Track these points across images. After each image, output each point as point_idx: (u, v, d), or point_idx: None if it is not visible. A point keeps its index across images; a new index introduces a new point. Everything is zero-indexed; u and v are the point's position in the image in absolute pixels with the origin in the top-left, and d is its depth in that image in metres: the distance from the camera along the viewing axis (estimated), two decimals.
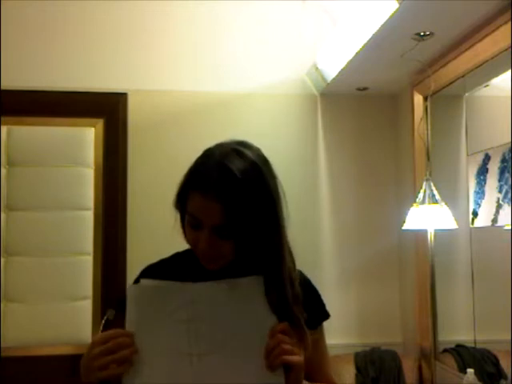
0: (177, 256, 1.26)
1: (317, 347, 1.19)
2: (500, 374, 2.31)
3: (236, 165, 1.06)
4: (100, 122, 2.94)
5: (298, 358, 1.03)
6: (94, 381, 1.01)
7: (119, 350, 1.00)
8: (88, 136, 2.93)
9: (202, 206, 1.07)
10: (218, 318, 1.05)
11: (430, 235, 2.71)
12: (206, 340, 1.03)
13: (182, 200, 1.13)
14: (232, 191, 1.05)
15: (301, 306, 1.13)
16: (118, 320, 1.21)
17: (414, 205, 2.46)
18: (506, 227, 2.20)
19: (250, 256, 1.12)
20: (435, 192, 2.41)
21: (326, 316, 1.26)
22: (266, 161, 1.14)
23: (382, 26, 2.18)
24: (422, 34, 2.28)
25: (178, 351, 1.02)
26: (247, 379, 1.02)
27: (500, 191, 2.26)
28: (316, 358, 1.17)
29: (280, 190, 1.13)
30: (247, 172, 1.07)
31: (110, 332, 1.02)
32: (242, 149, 1.11)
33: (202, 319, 1.04)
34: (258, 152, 1.13)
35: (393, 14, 2.07)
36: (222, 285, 1.08)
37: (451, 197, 2.51)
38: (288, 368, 1.03)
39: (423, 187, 2.45)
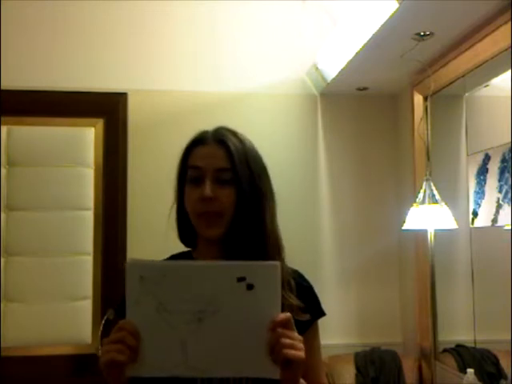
0: (172, 258, 1.26)
1: (310, 346, 1.18)
2: (500, 374, 2.31)
3: (229, 130, 1.24)
4: (100, 122, 2.94)
5: (298, 353, 1.00)
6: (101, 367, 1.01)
7: (121, 341, 0.99)
8: (88, 136, 2.93)
9: (204, 153, 1.18)
10: (223, 301, 1.01)
11: (430, 235, 2.71)
12: (208, 323, 1.00)
13: (184, 162, 1.20)
14: (230, 140, 1.19)
15: (287, 288, 1.15)
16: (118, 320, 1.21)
17: (414, 205, 2.46)
18: (506, 227, 2.20)
19: (247, 220, 1.15)
20: (435, 192, 2.41)
21: (321, 313, 1.25)
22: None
23: (382, 26, 2.18)
24: (422, 33, 2.28)
25: (178, 335, 1.00)
26: (242, 368, 1.01)
27: (500, 191, 2.26)
28: (309, 357, 1.15)
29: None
30: (239, 136, 1.23)
31: (119, 323, 1.01)
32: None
33: (209, 301, 1.01)
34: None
35: (393, 14, 2.07)
36: (235, 266, 1.03)
37: (451, 197, 2.51)
38: (287, 362, 1.00)
39: (423, 187, 2.45)
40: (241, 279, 1.01)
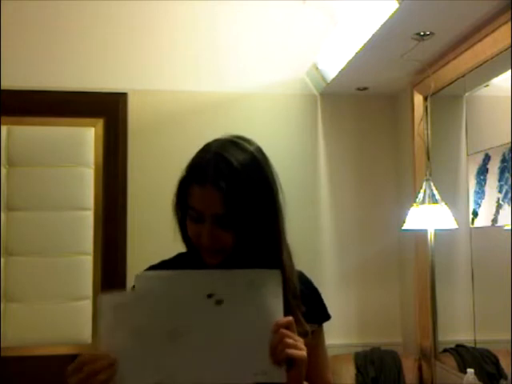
0: (180, 256, 1.26)
1: (316, 349, 1.19)
2: (500, 373, 2.31)
3: (233, 154, 1.10)
4: (100, 122, 2.95)
5: (301, 352, 1.02)
6: None
7: (96, 374, 0.97)
8: (88, 136, 2.93)
9: (202, 197, 1.09)
10: (229, 307, 1.04)
11: (430, 235, 2.71)
12: (215, 329, 1.03)
13: (183, 195, 1.14)
14: (230, 179, 1.07)
15: (299, 301, 1.14)
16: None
17: (414, 205, 2.46)
18: (506, 227, 2.20)
19: (250, 249, 1.12)
20: (435, 192, 2.41)
21: (327, 317, 1.26)
22: (262, 151, 1.16)
23: (382, 25, 2.18)
24: (422, 33, 2.28)
25: (184, 338, 1.02)
26: (248, 372, 1.02)
27: (500, 191, 2.26)
28: (315, 360, 1.15)
29: (277, 179, 1.15)
30: (244, 160, 1.10)
31: (85, 357, 0.99)
32: (238, 140, 1.14)
33: (214, 308, 1.04)
34: (254, 144, 1.16)
35: (393, 14, 2.07)
36: (239, 274, 1.07)
37: (451, 197, 2.51)
38: (290, 363, 1.02)
39: (423, 187, 2.45)
40: (247, 284, 1.05)
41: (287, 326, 1.03)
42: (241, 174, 1.08)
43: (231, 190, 1.06)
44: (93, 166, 2.92)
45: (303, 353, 1.02)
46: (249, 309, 1.05)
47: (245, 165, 1.09)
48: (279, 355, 1.00)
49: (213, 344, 1.03)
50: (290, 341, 1.01)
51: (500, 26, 2.08)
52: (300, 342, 1.03)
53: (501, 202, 2.25)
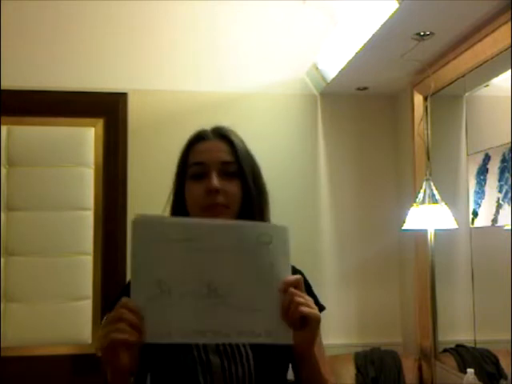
0: None
1: None
2: (500, 373, 2.31)
3: (228, 127, 1.24)
4: (100, 122, 2.94)
5: (315, 311, 0.99)
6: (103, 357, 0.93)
7: (121, 319, 0.92)
8: (88, 136, 2.93)
9: (207, 148, 1.17)
10: (235, 259, 0.98)
11: (430, 235, 2.71)
12: (220, 279, 0.97)
13: (185, 161, 1.18)
14: (232, 134, 1.20)
15: None
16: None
17: (414, 205, 2.46)
18: (506, 227, 2.20)
19: (248, 211, 1.15)
20: (435, 192, 2.41)
21: (321, 308, 1.24)
22: None
23: (382, 25, 2.18)
24: (422, 33, 2.28)
25: (191, 292, 0.97)
26: (255, 330, 0.98)
27: (500, 191, 2.26)
28: None
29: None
30: (237, 134, 1.24)
31: (120, 301, 0.95)
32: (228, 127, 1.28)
33: (219, 257, 0.98)
34: None
35: (393, 14, 2.07)
36: (247, 226, 1.01)
37: (451, 197, 2.51)
38: (303, 322, 0.98)
39: (423, 187, 2.45)
40: (259, 238, 0.99)
41: (295, 285, 0.99)
42: (238, 137, 1.21)
43: (234, 141, 1.18)
44: (93, 166, 2.92)
45: (316, 311, 0.99)
46: (255, 264, 0.98)
47: (240, 140, 1.22)
48: (293, 315, 0.97)
49: (244, 296, 0.97)
50: (301, 299, 0.98)
51: (500, 25, 2.08)
52: (310, 301, 1.00)
53: (501, 201, 2.25)
